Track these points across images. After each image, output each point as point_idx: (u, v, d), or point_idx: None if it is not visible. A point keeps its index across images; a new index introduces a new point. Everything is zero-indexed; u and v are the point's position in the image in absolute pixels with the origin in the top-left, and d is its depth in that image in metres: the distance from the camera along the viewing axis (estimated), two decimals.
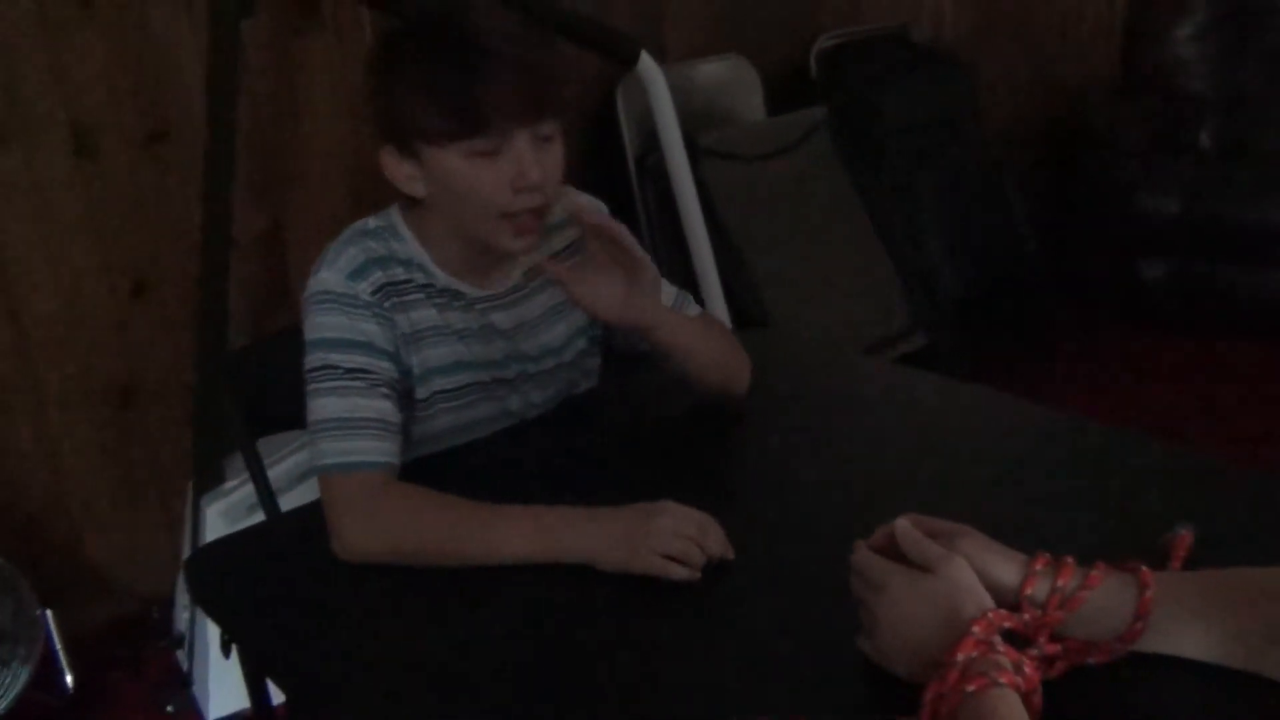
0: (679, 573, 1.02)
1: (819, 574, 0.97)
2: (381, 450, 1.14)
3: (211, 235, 1.88)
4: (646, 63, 1.97)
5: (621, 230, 1.20)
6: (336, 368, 1.16)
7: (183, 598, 2.00)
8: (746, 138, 2.63)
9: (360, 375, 1.16)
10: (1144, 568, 0.82)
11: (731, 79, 2.71)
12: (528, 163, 1.14)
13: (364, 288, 1.19)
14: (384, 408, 1.16)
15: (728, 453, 1.31)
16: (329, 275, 1.19)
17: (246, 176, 2.06)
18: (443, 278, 1.25)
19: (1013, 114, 3.48)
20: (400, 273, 1.22)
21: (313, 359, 1.18)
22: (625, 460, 1.29)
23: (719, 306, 2.10)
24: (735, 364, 1.34)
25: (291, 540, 1.17)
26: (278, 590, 1.06)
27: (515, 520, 1.09)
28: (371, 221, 1.26)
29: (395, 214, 1.27)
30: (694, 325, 1.31)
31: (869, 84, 2.87)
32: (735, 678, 0.90)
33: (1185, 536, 0.93)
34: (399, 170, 1.19)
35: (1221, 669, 0.81)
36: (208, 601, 1.09)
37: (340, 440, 1.13)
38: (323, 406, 1.15)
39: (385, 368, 1.19)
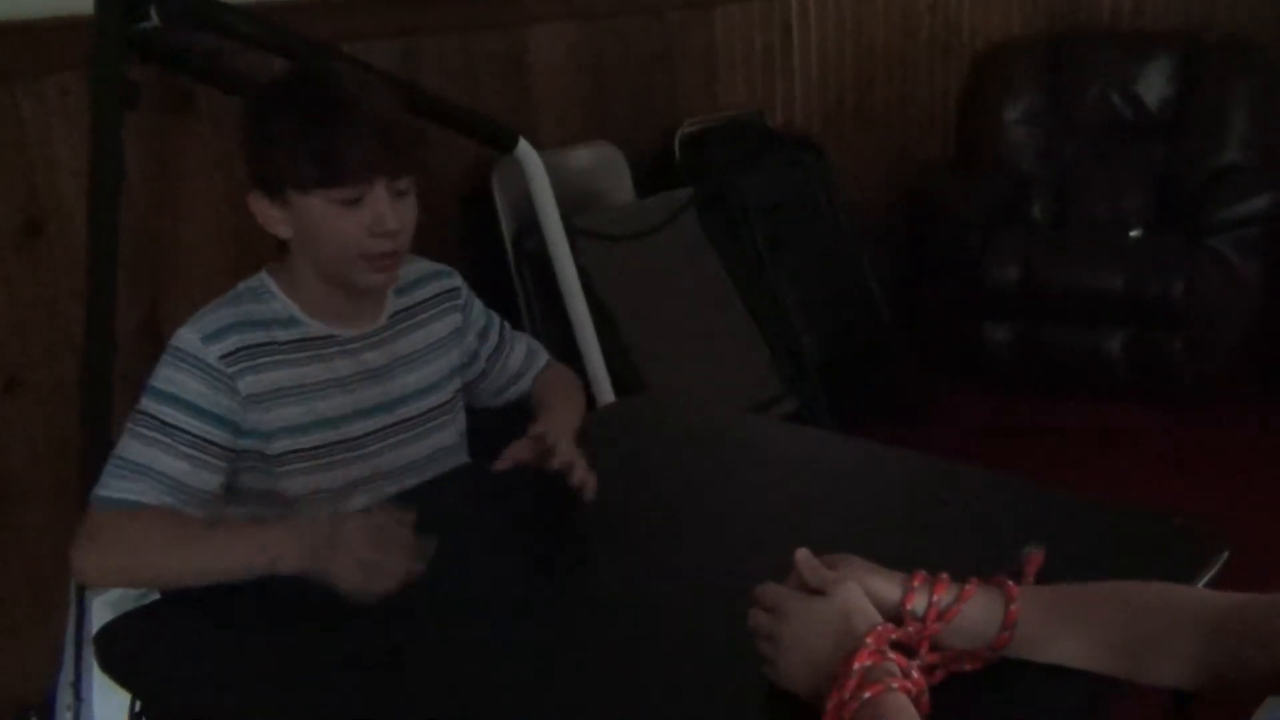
0: (376, 589, 1.10)
1: (716, 612, 1.06)
2: (153, 497, 1.22)
3: (95, 329, 1.87)
4: (524, 148, 2.07)
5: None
6: (156, 418, 1.25)
7: (65, 696, 1.94)
8: (618, 218, 2.75)
9: (173, 432, 1.24)
10: (1010, 583, 0.93)
11: (601, 164, 2.83)
12: (385, 211, 1.26)
13: (214, 351, 1.27)
14: (180, 468, 1.24)
15: (622, 504, 1.38)
16: (186, 333, 1.29)
17: (124, 268, 2.06)
18: (316, 325, 1.35)
19: (863, 191, 3.71)
20: (260, 334, 1.31)
21: (142, 403, 1.27)
22: (521, 520, 1.35)
23: (601, 378, 2.19)
24: (584, 400, 1.53)
25: (201, 608, 1.19)
26: (192, 656, 1.09)
27: (221, 536, 1.20)
28: (242, 285, 1.36)
29: (264, 274, 1.38)
30: (566, 409, 1.46)
31: (729, 166, 3.03)
32: (644, 713, 0.96)
33: (1036, 556, 1.04)
34: (267, 213, 1.30)
35: (1079, 673, 0.92)
36: (121, 671, 1.11)
37: (122, 480, 1.22)
38: (126, 446, 1.24)
39: (201, 429, 1.26)
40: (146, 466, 1.22)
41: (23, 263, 2.03)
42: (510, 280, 2.58)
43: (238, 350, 1.29)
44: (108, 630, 1.14)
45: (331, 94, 1.26)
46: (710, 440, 1.57)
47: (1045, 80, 3.86)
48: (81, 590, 1.89)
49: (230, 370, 1.28)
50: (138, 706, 1.14)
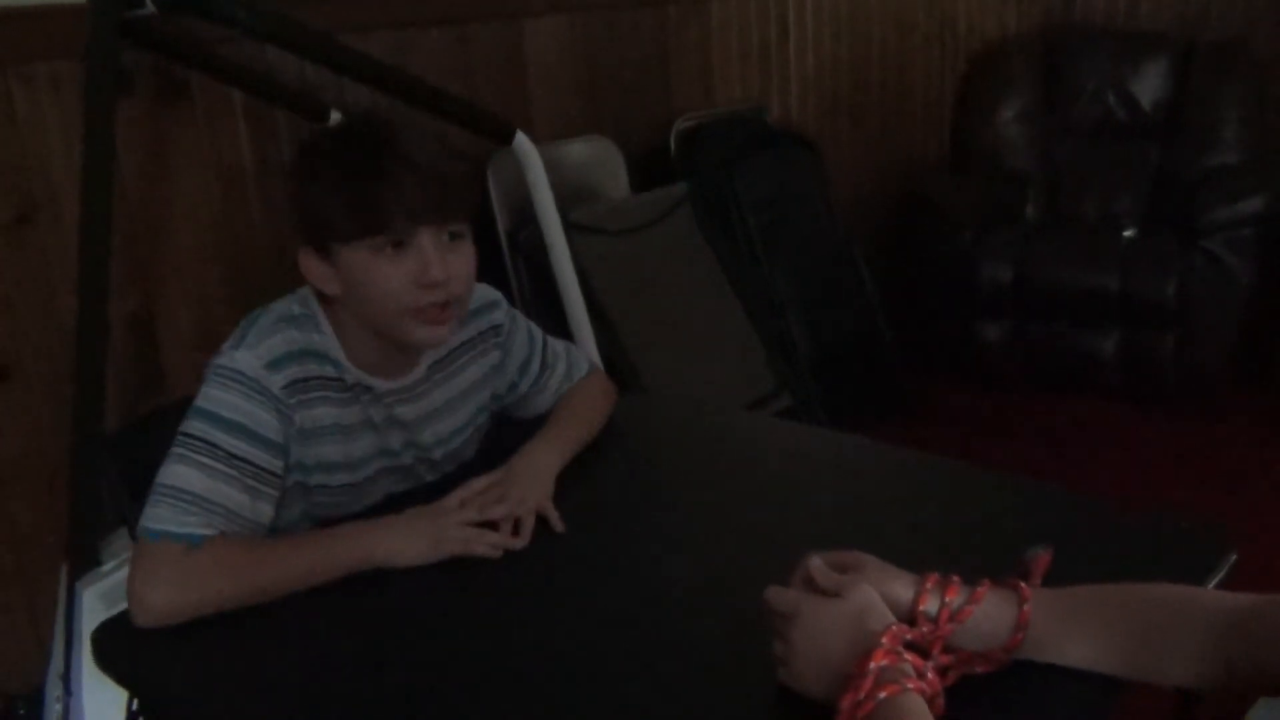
0: (481, 548, 1.18)
1: (719, 609, 1.05)
2: (216, 531, 1.16)
3: (87, 318, 1.85)
4: (522, 141, 2.05)
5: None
6: (218, 447, 1.18)
7: (54, 688, 1.92)
8: (613, 213, 2.74)
9: (238, 464, 1.18)
10: (1023, 584, 0.92)
11: (596, 158, 2.82)
12: (431, 260, 1.20)
13: (277, 380, 1.22)
14: (241, 501, 1.19)
15: (618, 501, 1.38)
16: (246, 356, 1.22)
17: (116, 257, 2.03)
18: (353, 372, 1.29)
19: (858, 188, 3.71)
20: (313, 367, 1.26)
21: (196, 427, 1.19)
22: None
23: None
24: (601, 419, 1.49)
25: None
26: (190, 654, 1.08)
27: (317, 542, 1.18)
28: (296, 308, 1.29)
29: (313, 300, 1.30)
30: (560, 435, 1.41)
31: (725, 162, 3.02)
32: (651, 714, 0.95)
33: (1044, 556, 1.03)
34: (316, 270, 1.25)
35: (1091, 675, 0.91)
36: (118, 669, 1.09)
37: (183, 514, 1.15)
38: (183, 475, 1.16)
39: (267, 460, 1.21)
40: (209, 501, 1.16)
41: (14, 251, 2.01)
42: (505, 274, 2.57)
43: (295, 382, 1.24)
44: (104, 628, 1.13)
45: (373, 142, 1.21)
46: (707, 437, 1.56)
47: (1040, 79, 3.87)
48: (72, 581, 1.87)
49: (291, 401, 1.23)
50: (134, 705, 1.13)
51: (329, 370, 1.27)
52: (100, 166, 1.84)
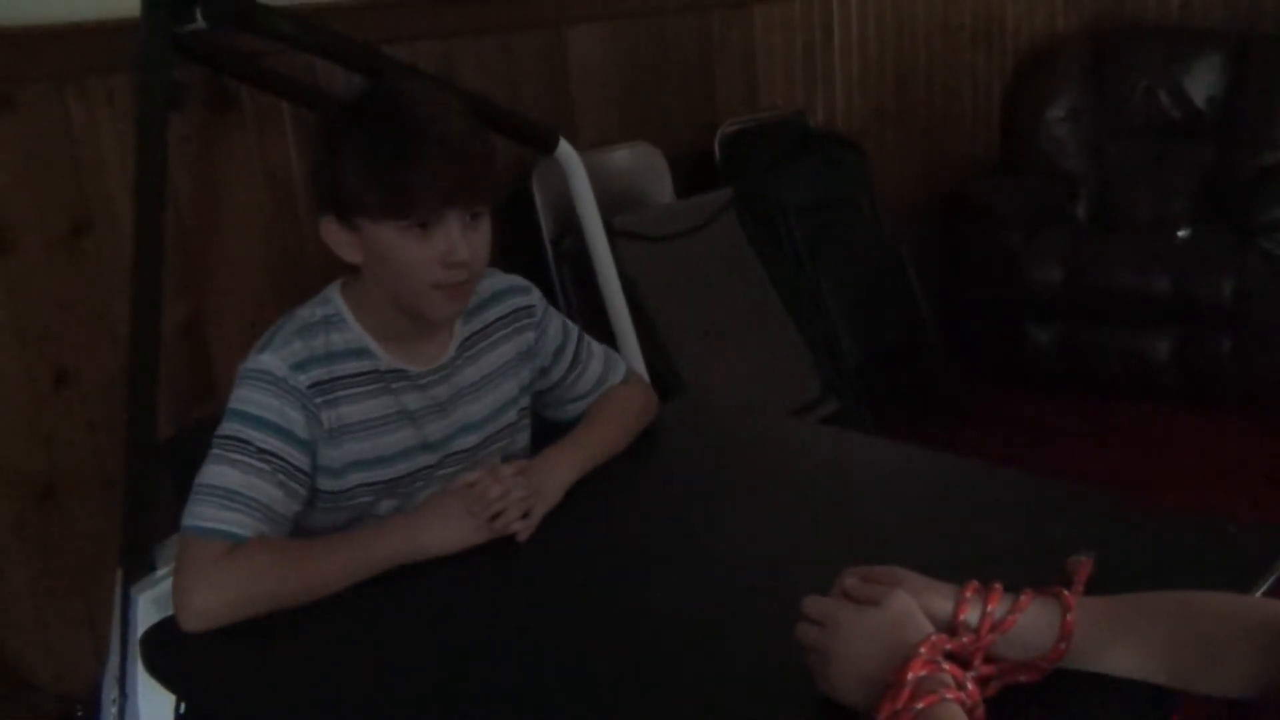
0: (516, 527, 1.22)
1: (760, 617, 1.05)
2: (252, 529, 1.18)
3: (141, 326, 1.89)
4: (565, 149, 2.07)
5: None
6: (250, 444, 1.21)
7: (111, 691, 1.96)
8: (657, 219, 2.74)
9: (269, 459, 1.21)
10: (1066, 592, 0.91)
11: (640, 165, 2.82)
12: (456, 241, 1.23)
13: (303, 380, 1.25)
14: (275, 496, 1.21)
15: (662, 508, 1.37)
16: (272, 359, 1.25)
17: (168, 266, 2.07)
18: (386, 359, 1.31)
19: (904, 191, 3.68)
20: (339, 368, 1.28)
21: (229, 428, 1.23)
22: (562, 527, 1.33)
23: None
24: (638, 425, 1.49)
25: None
26: (237, 659, 1.09)
27: (360, 537, 1.21)
28: (318, 311, 1.31)
29: (337, 297, 1.33)
30: (594, 439, 1.42)
31: (769, 166, 3.02)
32: None
33: (1087, 563, 1.01)
34: (339, 238, 1.28)
35: (1137, 684, 0.90)
36: (166, 673, 1.11)
37: (220, 509, 1.17)
38: (220, 474, 1.19)
39: (296, 456, 1.24)
40: (244, 495, 1.18)
41: (70, 261, 2.05)
42: (550, 281, 2.58)
43: (320, 383, 1.26)
44: (154, 632, 1.15)
45: (403, 119, 1.21)
46: (752, 445, 1.55)
47: (1090, 78, 3.82)
48: (127, 586, 1.90)
49: (317, 400, 1.26)
50: (182, 708, 1.15)
51: (352, 366, 1.29)
52: (154, 178, 1.88)
